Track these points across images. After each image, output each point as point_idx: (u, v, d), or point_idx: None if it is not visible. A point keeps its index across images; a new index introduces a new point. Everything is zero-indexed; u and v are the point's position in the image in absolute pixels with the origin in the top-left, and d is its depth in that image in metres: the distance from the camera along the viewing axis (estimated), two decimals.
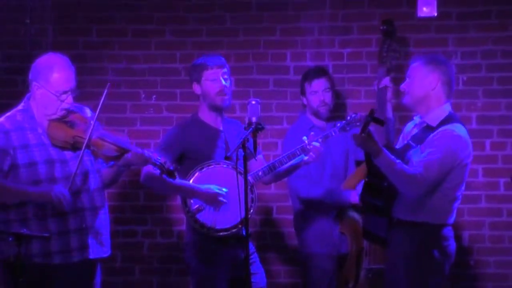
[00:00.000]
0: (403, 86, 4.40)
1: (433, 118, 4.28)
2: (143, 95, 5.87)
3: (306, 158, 4.59)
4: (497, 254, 5.61)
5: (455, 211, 4.32)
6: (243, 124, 4.78)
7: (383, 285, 4.48)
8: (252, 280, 4.53)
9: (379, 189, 4.27)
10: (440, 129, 4.23)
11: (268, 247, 5.79)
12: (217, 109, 4.74)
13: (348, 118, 4.75)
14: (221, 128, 4.77)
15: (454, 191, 4.26)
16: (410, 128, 4.45)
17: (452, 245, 4.31)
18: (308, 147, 4.57)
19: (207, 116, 4.76)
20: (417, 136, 4.28)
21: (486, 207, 5.62)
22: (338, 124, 4.74)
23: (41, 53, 4.46)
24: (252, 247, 4.73)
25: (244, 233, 4.43)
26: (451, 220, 4.31)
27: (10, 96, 5.61)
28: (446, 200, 4.26)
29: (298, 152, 4.60)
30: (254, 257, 4.78)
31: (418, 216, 4.25)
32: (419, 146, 4.24)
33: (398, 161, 4.15)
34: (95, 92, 5.52)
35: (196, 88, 4.77)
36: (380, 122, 4.20)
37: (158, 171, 4.23)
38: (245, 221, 4.13)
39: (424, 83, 4.31)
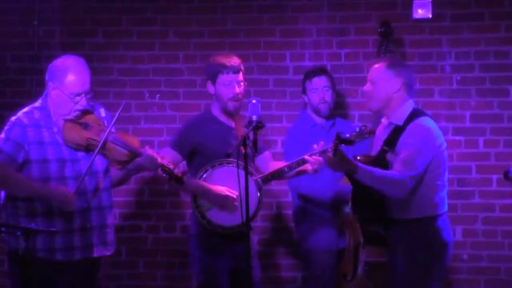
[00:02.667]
0: (366, 90, 4.40)
1: (398, 117, 4.30)
2: (147, 94, 5.88)
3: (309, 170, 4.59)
4: (490, 248, 5.64)
5: (445, 200, 4.34)
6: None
7: (385, 282, 4.52)
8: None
9: (366, 198, 4.29)
10: (408, 126, 4.24)
11: (269, 241, 5.82)
12: (229, 113, 4.70)
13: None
14: (233, 126, 4.71)
15: (437, 180, 4.27)
16: (381, 131, 4.45)
17: (447, 234, 4.32)
18: (308, 159, 4.56)
19: (219, 114, 4.71)
20: (389, 139, 4.28)
21: (480, 203, 5.65)
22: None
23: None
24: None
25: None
26: (444, 209, 4.33)
27: (19, 95, 5.70)
28: (433, 191, 4.28)
29: (294, 165, 4.61)
30: (252, 252, 4.73)
31: (410, 214, 4.27)
32: (393, 148, 4.24)
33: (375, 169, 4.14)
34: (102, 91, 5.70)
35: (210, 88, 4.70)
36: (349, 142, 4.12)
37: (166, 177, 4.22)
38: (246, 217, 4.17)
39: (388, 87, 4.33)
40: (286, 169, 4.64)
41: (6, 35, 5.90)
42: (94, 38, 5.90)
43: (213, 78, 4.66)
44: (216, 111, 4.72)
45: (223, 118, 4.71)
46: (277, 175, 4.66)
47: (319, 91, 5.26)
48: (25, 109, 4.18)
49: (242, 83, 4.68)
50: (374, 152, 4.42)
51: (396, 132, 4.26)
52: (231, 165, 4.58)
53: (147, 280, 5.87)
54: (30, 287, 3.86)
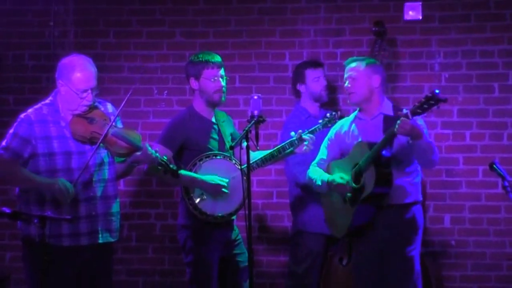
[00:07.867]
0: (349, 88, 4.59)
1: (386, 109, 4.57)
2: (156, 91, 6.01)
3: (296, 150, 4.73)
4: (476, 235, 5.77)
5: None
6: (228, 115, 4.98)
7: (370, 265, 4.64)
8: (238, 259, 4.79)
9: (388, 177, 4.42)
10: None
11: (269, 228, 5.96)
12: (214, 105, 4.78)
13: (328, 115, 4.84)
14: (214, 120, 4.80)
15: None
16: (367, 123, 4.62)
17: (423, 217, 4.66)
18: (300, 139, 4.69)
19: (202, 109, 4.77)
20: (388, 126, 4.39)
21: (466, 192, 5.78)
22: (320, 121, 4.85)
23: (63, 53, 4.49)
24: (236, 229, 4.86)
25: (234, 218, 4.76)
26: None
27: (35, 92, 5.86)
28: (420, 178, 4.60)
29: (287, 146, 4.74)
30: (239, 239, 4.88)
31: (408, 197, 4.54)
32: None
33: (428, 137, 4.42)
34: (113, 88, 5.86)
35: (194, 84, 4.76)
36: (444, 100, 4.14)
37: (162, 170, 4.32)
38: (248, 207, 4.22)
39: (370, 83, 4.56)
40: (276, 152, 4.74)
41: (24, 35, 6.05)
42: (106, 38, 6.04)
43: (197, 74, 4.73)
44: (198, 107, 4.79)
45: (205, 113, 4.78)
46: (268, 158, 4.75)
47: (321, 79, 5.43)
48: (36, 106, 4.32)
49: (225, 77, 4.78)
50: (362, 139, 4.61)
51: (391, 120, 4.39)
52: (218, 157, 4.71)
53: (156, 264, 6.01)
54: (47, 271, 3.95)
